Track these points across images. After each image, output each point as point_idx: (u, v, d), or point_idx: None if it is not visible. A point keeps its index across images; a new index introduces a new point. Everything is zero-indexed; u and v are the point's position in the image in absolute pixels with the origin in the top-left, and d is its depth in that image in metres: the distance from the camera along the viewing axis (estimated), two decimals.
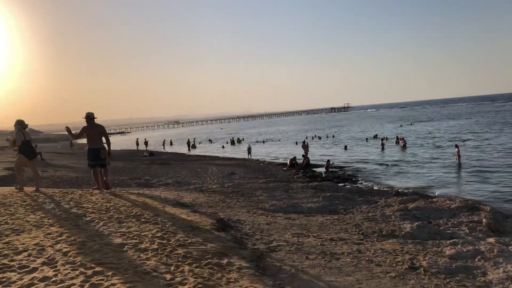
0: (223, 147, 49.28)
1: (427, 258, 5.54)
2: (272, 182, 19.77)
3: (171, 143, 62.05)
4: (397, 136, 34.25)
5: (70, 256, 4.47)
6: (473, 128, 46.43)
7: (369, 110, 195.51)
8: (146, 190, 11.34)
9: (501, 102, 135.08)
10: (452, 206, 9.25)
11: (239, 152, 41.93)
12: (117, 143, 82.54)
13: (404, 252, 5.87)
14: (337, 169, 24.25)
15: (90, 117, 9.52)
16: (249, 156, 34.22)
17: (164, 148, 54.37)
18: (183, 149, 51.28)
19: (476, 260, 5.56)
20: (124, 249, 4.79)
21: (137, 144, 57.35)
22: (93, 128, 9.45)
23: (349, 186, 14.67)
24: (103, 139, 9.60)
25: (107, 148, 9.60)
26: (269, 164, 28.24)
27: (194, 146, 52.79)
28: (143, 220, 6.34)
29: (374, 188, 13.78)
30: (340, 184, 19.28)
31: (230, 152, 43.36)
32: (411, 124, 62.80)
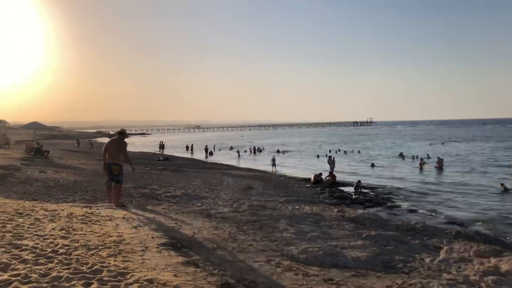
0: (238, 155, 46.65)
1: None
2: (295, 202, 17.18)
3: (187, 148, 59.81)
4: (438, 157, 31.27)
5: None
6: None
7: (397, 126, 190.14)
8: (140, 210, 8.87)
9: None
10: None
11: (259, 162, 39.38)
12: (136, 144, 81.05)
13: None
14: (368, 190, 21.44)
15: (120, 132, 9.68)
16: (274, 169, 31.60)
17: (191, 153, 52.07)
18: (201, 155, 49.03)
19: None
20: None
21: (160, 147, 55.20)
22: (113, 143, 9.49)
23: (396, 220, 11.99)
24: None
25: (120, 164, 9.42)
26: (290, 178, 25.58)
27: (211, 153, 50.45)
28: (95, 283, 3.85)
29: (427, 223, 11.08)
30: (372, 209, 16.70)
31: (249, 161, 40.81)
32: (442, 144, 59.17)
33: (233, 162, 40.56)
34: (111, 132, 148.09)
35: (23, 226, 5.61)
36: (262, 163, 38.32)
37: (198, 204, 14.55)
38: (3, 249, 4.54)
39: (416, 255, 7.27)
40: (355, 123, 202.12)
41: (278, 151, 50.05)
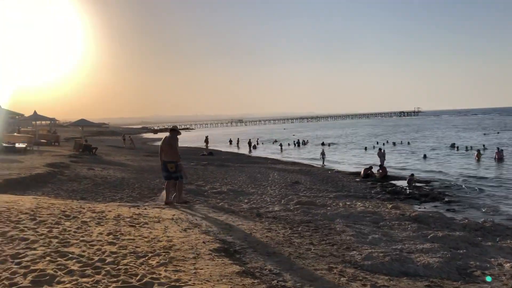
0: (281, 149, 45.96)
1: None
2: (345, 197, 16.50)
3: (230, 142, 59.85)
4: (497, 148, 29.40)
5: None
6: None
7: (445, 115, 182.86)
8: (188, 210, 8.54)
9: None
10: None
11: (304, 156, 38.68)
12: (181, 139, 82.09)
13: None
14: (422, 184, 20.33)
15: (171, 128, 9.79)
16: (323, 163, 30.46)
17: (237, 147, 51.85)
18: (244, 149, 48.87)
19: None
20: None
21: (206, 141, 55.60)
22: (166, 140, 9.43)
23: (459, 218, 11.06)
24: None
25: (177, 161, 9.29)
26: (338, 172, 24.75)
27: (255, 147, 50.16)
28: None
29: (496, 222, 10.13)
30: (428, 204, 15.75)
31: (294, 155, 40.15)
32: (498, 133, 56.04)
33: (277, 155, 40.06)
34: (156, 128, 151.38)
35: (69, 230, 5.35)
36: (306, 156, 37.60)
37: (245, 200, 14.17)
38: (49, 258, 4.25)
39: (492, 259, 6.50)
40: (402, 113, 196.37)
41: (323, 144, 49.07)
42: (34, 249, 4.50)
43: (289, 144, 51.10)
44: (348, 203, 15.02)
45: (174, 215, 7.55)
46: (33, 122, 46.39)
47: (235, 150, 49.68)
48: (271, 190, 16.88)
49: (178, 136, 9.80)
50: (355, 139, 58.31)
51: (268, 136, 72.51)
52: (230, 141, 60.54)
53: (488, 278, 5.44)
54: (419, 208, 15.18)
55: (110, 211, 6.97)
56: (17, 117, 35.00)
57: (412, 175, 20.63)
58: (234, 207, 11.76)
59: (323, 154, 31.44)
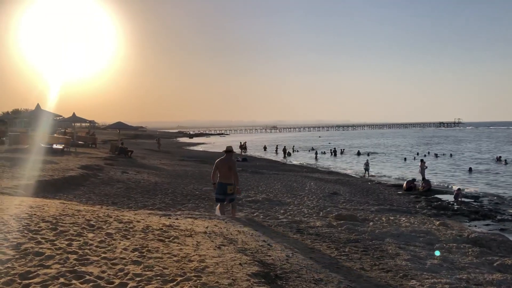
0: (316, 157, 44.91)
1: None
2: (388, 211, 15.47)
3: (264, 149, 59.22)
4: None
5: None
6: None
7: (488, 127, 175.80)
8: (223, 223, 7.91)
9: None
10: None
11: (341, 165, 37.51)
12: (216, 144, 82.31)
13: None
14: (470, 199, 18.98)
15: (227, 150, 9.66)
16: (366, 174, 28.63)
17: (276, 154, 50.34)
18: (278, 156, 48.09)
19: None
20: None
21: (241, 148, 55.31)
22: (224, 162, 9.38)
23: None
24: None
25: (234, 183, 9.32)
26: (379, 184, 23.58)
27: (289, 154, 49.27)
28: None
29: None
30: (477, 222, 14.54)
31: (330, 164, 39.02)
32: None
33: (312, 163, 39.07)
34: (191, 132, 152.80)
35: (91, 244, 4.76)
36: (344, 166, 36.41)
37: (281, 211, 13.43)
38: (62, 280, 3.66)
39: None
40: (441, 124, 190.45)
41: (358, 153, 47.61)
42: (48, 267, 3.93)
43: (324, 153, 49.90)
44: (392, 217, 14.02)
45: (207, 227, 6.90)
46: (72, 124, 47.26)
47: (269, 156, 48.99)
48: (308, 201, 16.05)
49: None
50: (394, 149, 56.43)
51: (302, 144, 71.41)
52: (265, 148, 59.93)
53: None
54: (469, 225, 14.03)
55: (138, 221, 6.37)
56: (56, 118, 35.57)
57: (459, 189, 19.31)
58: (270, 219, 11.05)
59: (367, 164, 29.42)
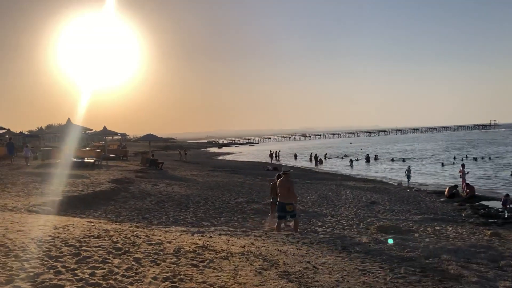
0: (351, 164, 43.66)
1: None
2: (432, 220, 14.49)
3: (295, 157, 58.41)
4: None
5: None
6: None
7: None
8: (259, 240, 7.29)
9: None
10: None
11: (375, 173, 36.31)
12: (244, 153, 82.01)
13: None
14: None
15: (284, 172, 10.15)
16: (408, 182, 26.59)
17: (315, 164, 47.47)
18: (309, 164, 47.18)
19: None
20: None
21: (271, 156, 54.74)
22: (283, 183, 10.00)
23: None
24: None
25: (294, 202, 10.02)
26: (419, 191, 22.44)
27: (321, 161, 48.25)
28: None
29: None
30: None
31: (364, 171, 37.85)
32: None
33: (345, 171, 38.01)
34: (220, 142, 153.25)
35: (117, 273, 4.21)
36: (379, 174, 35.19)
37: (319, 223, 12.70)
38: None
39: None
40: (476, 126, 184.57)
41: (392, 160, 46.09)
42: None
43: (357, 159, 48.57)
44: (437, 228, 13.09)
45: (244, 247, 6.28)
46: (104, 137, 47.85)
47: (300, 164, 48.11)
48: (346, 211, 15.25)
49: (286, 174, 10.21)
50: (428, 153, 54.52)
51: (334, 151, 70.07)
52: (295, 156, 59.11)
53: None
54: None
55: (170, 242, 5.81)
56: (87, 132, 35.91)
57: (507, 195, 18.01)
58: (308, 233, 10.35)
59: (408, 171, 27.16)
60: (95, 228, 6.47)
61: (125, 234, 6.06)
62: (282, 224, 10.58)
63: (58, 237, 5.39)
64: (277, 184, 10.32)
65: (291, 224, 10.61)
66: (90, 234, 5.78)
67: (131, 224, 8.08)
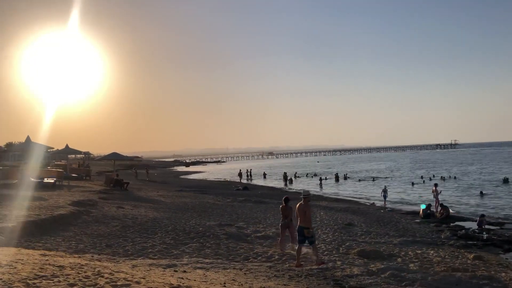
0: (320, 184, 43.03)
1: None
2: (412, 243, 14.02)
3: (264, 176, 57.76)
4: None
5: None
6: None
7: (486, 148, 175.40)
8: (240, 274, 6.47)
9: None
10: None
11: (345, 191, 36.06)
12: (212, 172, 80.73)
13: None
14: (495, 227, 17.56)
15: (303, 195, 10.30)
16: (384, 203, 26.15)
17: (290, 184, 45.98)
18: (279, 183, 46.59)
19: None
20: None
21: (240, 175, 53.62)
22: (301, 206, 10.12)
23: None
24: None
25: (310, 227, 9.99)
26: (393, 211, 22.09)
27: (291, 181, 47.74)
28: None
29: None
30: None
31: (335, 190, 37.51)
32: None
33: (316, 190, 37.55)
34: (187, 161, 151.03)
35: None
36: (349, 192, 34.92)
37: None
38: None
39: None
40: (438, 146, 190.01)
41: (359, 180, 45.92)
42: None
43: (326, 178, 48.28)
44: (419, 251, 12.61)
45: (225, 284, 5.46)
46: (67, 156, 45.81)
47: (270, 184, 47.42)
48: (323, 235, 14.58)
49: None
50: (396, 173, 55.06)
51: (302, 170, 69.82)
52: (264, 175, 58.46)
53: None
54: (506, 258, 12.61)
55: (138, 283, 4.92)
56: (49, 150, 34.13)
57: (483, 215, 17.91)
58: (289, 259, 9.58)
59: (385, 191, 26.91)
60: (49, 263, 5.49)
61: (84, 272, 5.13)
62: (304, 249, 10.41)
63: (1, 279, 4.43)
64: (296, 207, 10.32)
65: (310, 251, 10.38)
66: (42, 274, 4.82)
67: (92, 256, 7.09)
